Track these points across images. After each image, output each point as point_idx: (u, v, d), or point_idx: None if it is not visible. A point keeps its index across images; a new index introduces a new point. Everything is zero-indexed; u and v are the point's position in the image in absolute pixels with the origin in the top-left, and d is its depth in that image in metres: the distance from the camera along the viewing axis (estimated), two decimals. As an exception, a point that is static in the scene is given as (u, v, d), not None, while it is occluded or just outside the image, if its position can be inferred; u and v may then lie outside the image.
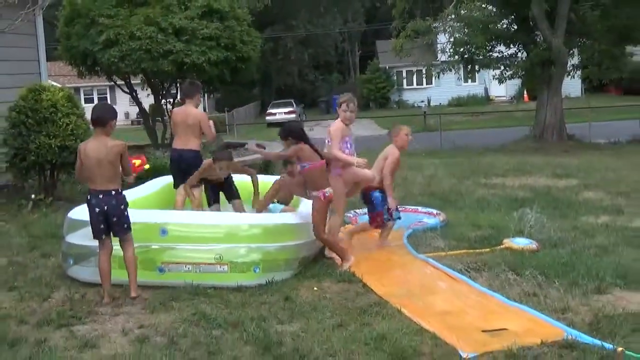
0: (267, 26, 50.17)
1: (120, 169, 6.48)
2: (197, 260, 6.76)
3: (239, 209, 8.69)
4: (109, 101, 52.33)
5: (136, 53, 14.84)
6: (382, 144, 8.26)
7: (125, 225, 6.46)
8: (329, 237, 7.44)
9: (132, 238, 6.52)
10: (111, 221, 6.36)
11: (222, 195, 8.88)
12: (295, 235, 7.22)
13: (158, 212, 7.91)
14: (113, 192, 6.36)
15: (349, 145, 7.84)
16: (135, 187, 9.09)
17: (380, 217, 8.24)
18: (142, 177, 9.26)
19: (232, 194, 8.84)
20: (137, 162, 7.51)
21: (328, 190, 7.26)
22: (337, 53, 65.65)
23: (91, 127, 6.51)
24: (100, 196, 6.32)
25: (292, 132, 7.54)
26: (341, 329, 5.46)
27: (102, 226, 6.37)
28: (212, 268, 6.73)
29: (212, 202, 8.82)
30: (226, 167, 8.47)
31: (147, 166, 7.74)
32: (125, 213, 6.45)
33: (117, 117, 6.73)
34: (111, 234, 6.48)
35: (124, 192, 6.62)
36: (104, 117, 6.41)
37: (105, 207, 6.32)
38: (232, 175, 8.80)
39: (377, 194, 8.15)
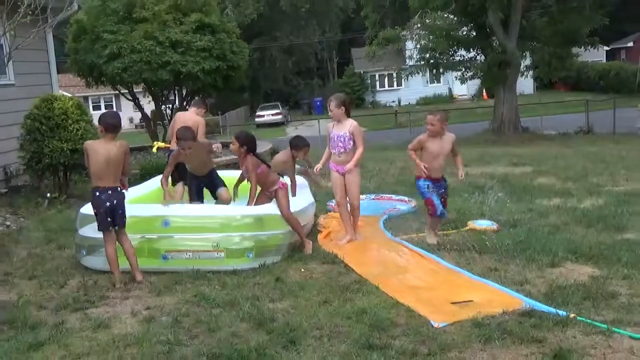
0: (254, 38, 50.01)
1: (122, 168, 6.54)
2: (197, 248, 6.76)
3: (225, 196, 8.10)
4: (114, 108, 52.18)
5: (137, 64, 14.75)
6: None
7: (125, 219, 6.49)
8: (291, 216, 7.29)
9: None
10: (117, 214, 6.36)
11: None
12: (284, 223, 7.21)
13: (160, 206, 7.89)
14: (119, 189, 6.41)
15: (332, 141, 7.75)
16: (138, 185, 9.08)
17: (431, 205, 7.36)
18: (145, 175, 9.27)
19: (216, 184, 8.21)
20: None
21: (282, 180, 7.55)
22: (317, 60, 65.58)
23: (101, 131, 6.49)
24: (110, 192, 6.32)
25: (249, 143, 7.51)
26: (326, 305, 5.47)
27: (108, 219, 6.36)
28: (210, 255, 6.72)
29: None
30: (189, 147, 7.54)
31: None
32: (124, 207, 6.49)
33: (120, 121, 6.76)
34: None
35: (130, 189, 6.64)
36: (119, 125, 6.53)
37: (115, 202, 6.34)
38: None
39: (420, 182, 7.41)
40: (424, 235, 7.83)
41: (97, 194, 6.35)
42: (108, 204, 6.32)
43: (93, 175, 6.39)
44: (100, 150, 6.30)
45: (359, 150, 7.62)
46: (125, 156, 6.44)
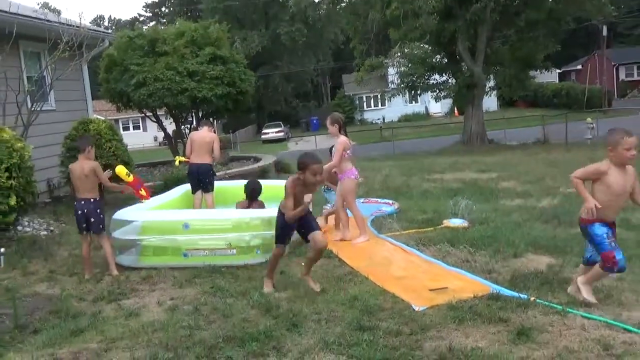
0: (259, 67, 50.11)
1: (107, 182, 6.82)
2: (213, 246, 6.76)
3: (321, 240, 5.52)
4: (140, 129, 52.31)
5: (160, 91, 14.75)
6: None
7: (100, 226, 6.68)
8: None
9: (107, 236, 6.77)
10: (89, 221, 6.59)
11: None
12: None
13: (181, 211, 7.91)
14: (92, 200, 6.60)
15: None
16: (162, 194, 9.09)
17: (611, 261, 4.62)
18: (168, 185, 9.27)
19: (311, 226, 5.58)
20: (143, 192, 7.44)
21: None
22: (313, 85, 65.70)
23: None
24: (82, 202, 6.58)
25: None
26: (323, 294, 5.47)
27: (83, 225, 6.62)
28: (224, 252, 6.73)
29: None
30: (320, 171, 5.31)
31: (146, 200, 7.58)
32: (101, 216, 6.68)
33: (91, 144, 6.87)
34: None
35: (152, 199, 6.69)
36: (81, 146, 6.72)
37: (85, 210, 6.58)
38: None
39: (596, 228, 4.73)
40: (407, 232, 7.82)
41: (75, 203, 6.64)
42: (80, 212, 6.59)
43: (75, 189, 6.69)
44: (76, 170, 6.60)
45: (330, 163, 7.53)
46: (96, 173, 6.58)
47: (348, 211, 7.82)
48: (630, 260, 5.91)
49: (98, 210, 6.62)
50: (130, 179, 7.17)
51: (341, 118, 7.80)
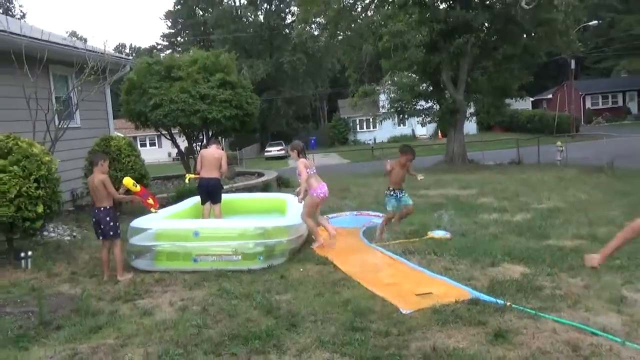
0: (263, 91, 50.27)
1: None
2: (220, 252, 6.75)
3: None
4: (156, 145, 52.25)
5: (175, 112, 14.74)
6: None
7: (111, 233, 6.64)
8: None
9: (119, 243, 6.70)
10: (101, 228, 6.63)
11: None
12: (287, 233, 7.21)
13: (192, 220, 7.88)
14: (102, 209, 6.62)
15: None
16: (174, 205, 9.07)
17: None
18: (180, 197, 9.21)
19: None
20: (151, 201, 7.40)
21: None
22: (312, 108, 65.83)
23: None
24: (95, 211, 6.65)
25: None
26: (320, 297, 5.45)
27: (98, 230, 6.67)
28: (230, 258, 6.71)
29: None
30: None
31: (154, 210, 7.53)
32: (111, 223, 6.64)
33: (104, 158, 6.85)
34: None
35: (165, 209, 6.68)
36: (95, 160, 6.78)
37: (95, 219, 6.67)
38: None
39: None
40: (395, 242, 7.82)
41: (91, 211, 6.78)
42: (94, 219, 6.69)
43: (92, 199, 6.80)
44: (90, 182, 6.70)
45: (302, 183, 7.75)
46: (104, 185, 6.57)
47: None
48: (596, 271, 5.93)
49: (108, 218, 6.60)
50: (138, 189, 7.13)
51: (300, 145, 8.00)
